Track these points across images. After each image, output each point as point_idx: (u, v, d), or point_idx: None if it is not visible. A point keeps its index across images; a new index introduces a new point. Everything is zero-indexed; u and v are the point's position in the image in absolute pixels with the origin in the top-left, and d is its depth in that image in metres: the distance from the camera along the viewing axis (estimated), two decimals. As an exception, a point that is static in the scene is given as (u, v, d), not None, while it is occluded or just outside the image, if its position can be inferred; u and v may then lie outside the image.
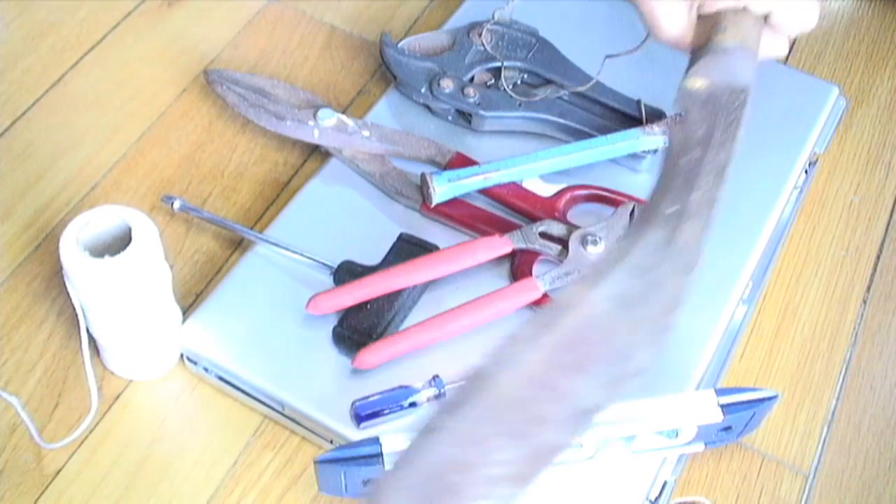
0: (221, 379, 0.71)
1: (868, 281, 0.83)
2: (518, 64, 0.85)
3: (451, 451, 0.49)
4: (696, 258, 0.54)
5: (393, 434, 0.62)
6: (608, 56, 0.76)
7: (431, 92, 0.83)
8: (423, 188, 0.77)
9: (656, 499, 0.67)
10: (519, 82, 0.85)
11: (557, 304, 0.53)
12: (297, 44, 0.93)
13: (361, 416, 0.67)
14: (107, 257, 0.63)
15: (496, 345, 0.50)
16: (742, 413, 0.66)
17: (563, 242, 0.74)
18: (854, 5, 1.04)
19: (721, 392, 0.66)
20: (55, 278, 0.77)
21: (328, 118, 0.80)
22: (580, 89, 0.82)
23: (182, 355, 0.73)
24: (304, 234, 0.75)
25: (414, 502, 0.49)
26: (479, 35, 0.86)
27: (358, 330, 0.70)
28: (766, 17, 0.60)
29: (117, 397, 0.72)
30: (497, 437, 0.49)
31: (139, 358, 0.72)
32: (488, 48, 0.85)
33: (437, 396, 0.68)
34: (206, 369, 0.72)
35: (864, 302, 0.82)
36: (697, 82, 0.58)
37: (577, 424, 0.51)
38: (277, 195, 0.83)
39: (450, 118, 0.84)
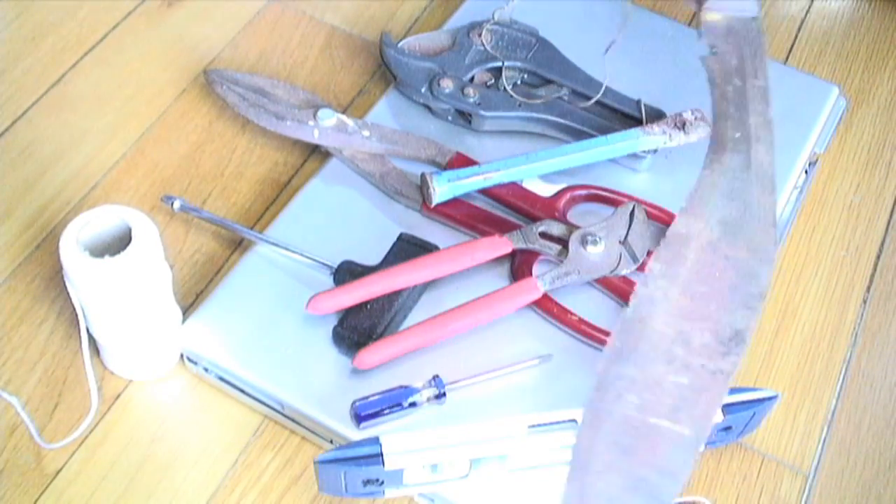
0: (221, 379, 0.71)
1: (868, 281, 0.83)
2: (518, 64, 0.85)
3: (635, 398, 0.53)
4: (773, 177, 0.59)
5: (393, 434, 0.62)
6: (606, 51, 0.77)
7: (431, 92, 0.83)
8: (423, 188, 0.77)
9: (656, 499, 0.67)
10: (519, 82, 0.85)
11: (674, 236, 0.56)
12: (297, 44, 0.93)
13: (361, 416, 0.67)
14: (107, 257, 0.63)
15: (635, 289, 0.54)
16: (742, 413, 0.66)
17: (563, 242, 0.74)
18: (854, 5, 1.04)
19: (721, 392, 0.66)
20: (55, 278, 0.77)
21: (328, 118, 0.80)
22: (595, 98, 0.82)
23: (182, 355, 0.73)
24: (304, 234, 0.75)
25: (618, 450, 0.52)
26: (479, 35, 0.86)
27: (358, 330, 0.70)
28: None
29: (117, 397, 0.72)
30: (672, 375, 0.53)
31: (139, 358, 0.72)
32: (488, 48, 0.85)
33: (437, 396, 0.68)
34: (206, 369, 0.72)
35: (864, 302, 0.82)
36: (712, 15, 0.63)
37: (738, 347, 0.55)
38: (277, 195, 0.83)
39: (450, 118, 0.84)
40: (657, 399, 0.54)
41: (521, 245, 0.74)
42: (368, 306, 0.71)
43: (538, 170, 0.79)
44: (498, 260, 0.74)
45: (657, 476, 0.53)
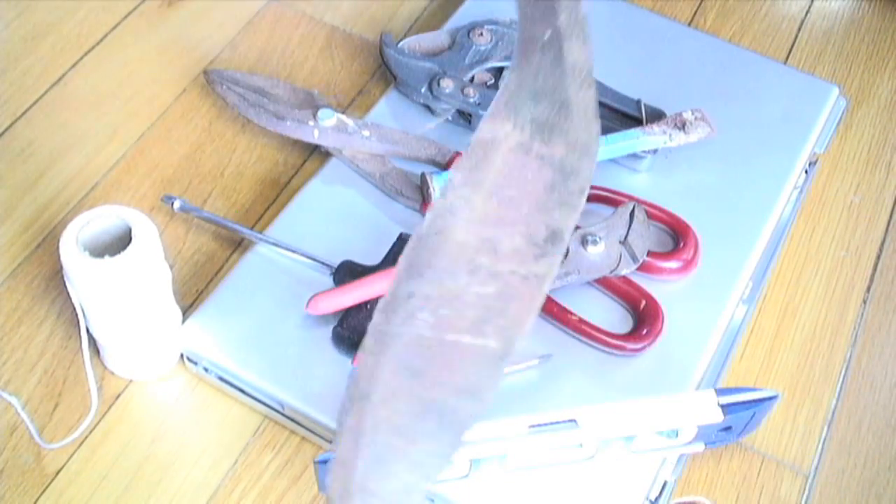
0: (221, 379, 0.71)
1: (868, 281, 0.83)
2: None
3: (429, 316, 0.48)
4: (590, 72, 0.54)
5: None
6: None
7: (431, 92, 0.83)
8: (423, 188, 0.77)
9: (656, 499, 0.67)
10: (519, 82, 0.85)
11: (479, 142, 0.52)
12: (297, 44, 0.93)
13: (361, 416, 0.67)
14: (107, 257, 0.63)
15: (431, 203, 0.49)
16: (742, 413, 0.66)
17: (563, 242, 0.74)
18: (854, 5, 1.04)
19: (721, 392, 0.66)
20: (55, 278, 0.77)
21: (328, 118, 0.80)
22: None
23: (182, 355, 0.73)
24: (304, 234, 0.75)
25: (408, 374, 0.48)
26: (479, 35, 0.86)
27: (358, 330, 0.70)
28: None
29: (117, 397, 0.72)
30: (476, 286, 0.48)
31: (139, 358, 0.72)
32: (488, 48, 0.85)
33: (437, 396, 0.68)
34: (206, 369, 0.72)
35: (864, 302, 0.82)
36: None
37: (554, 247, 0.50)
38: (277, 195, 0.83)
39: (450, 118, 0.84)
40: (457, 314, 0.49)
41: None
42: (368, 306, 0.71)
43: (538, 170, 0.79)
44: (498, 260, 0.74)
45: (454, 397, 0.48)
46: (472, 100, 0.82)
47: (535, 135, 0.52)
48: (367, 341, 0.48)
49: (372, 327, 0.49)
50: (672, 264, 0.75)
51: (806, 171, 0.85)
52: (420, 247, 0.49)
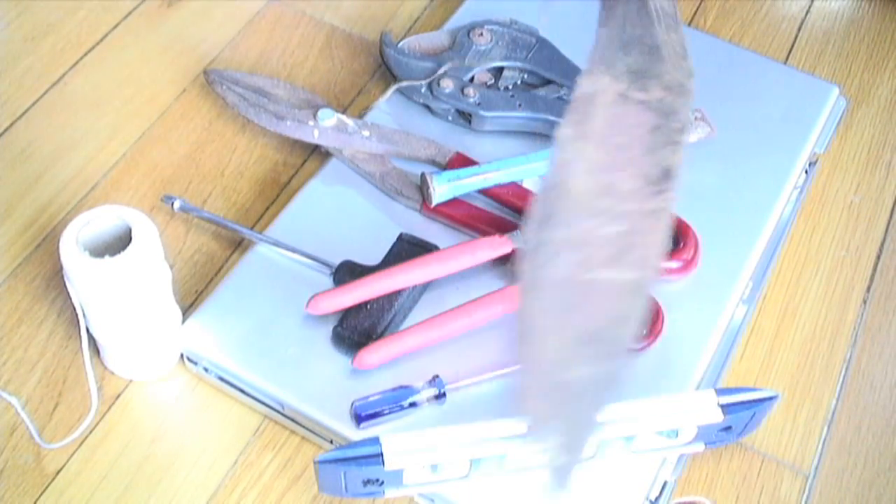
0: (221, 379, 0.71)
1: (868, 281, 0.83)
2: (518, 64, 0.85)
3: (569, 257, 0.52)
4: (675, 15, 0.57)
5: (393, 434, 0.62)
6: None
7: (431, 92, 0.83)
8: (423, 188, 0.77)
9: (656, 499, 0.67)
10: (519, 82, 0.85)
11: (580, 98, 0.54)
12: (297, 44, 0.93)
13: (361, 416, 0.67)
14: (107, 257, 0.63)
15: (552, 154, 0.53)
16: (742, 413, 0.66)
17: (563, 242, 0.74)
18: (854, 5, 1.04)
19: (721, 392, 0.66)
20: (55, 278, 0.77)
21: (328, 118, 0.80)
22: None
23: (182, 355, 0.73)
24: (304, 234, 0.75)
25: (558, 311, 0.52)
26: (479, 35, 0.86)
27: (358, 330, 0.70)
28: None
29: (117, 397, 0.72)
30: (603, 227, 0.52)
31: (139, 358, 0.72)
32: (488, 48, 0.85)
33: (437, 396, 0.68)
34: (206, 369, 0.72)
35: (864, 302, 0.82)
36: None
37: (668, 183, 0.53)
38: (277, 195, 0.83)
39: (450, 118, 0.84)
40: (593, 253, 0.53)
41: (522, 245, 0.74)
42: (368, 306, 0.71)
43: (538, 170, 0.79)
44: (498, 260, 0.74)
45: (606, 324, 0.52)
46: (472, 100, 0.82)
47: (632, 83, 0.55)
48: (522, 286, 0.52)
49: (521, 274, 0.52)
50: (672, 264, 0.75)
51: (806, 171, 0.85)
52: (545, 199, 0.53)
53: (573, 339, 0.52)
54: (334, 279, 0.73)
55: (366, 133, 0.80)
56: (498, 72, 0.85)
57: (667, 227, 0.54)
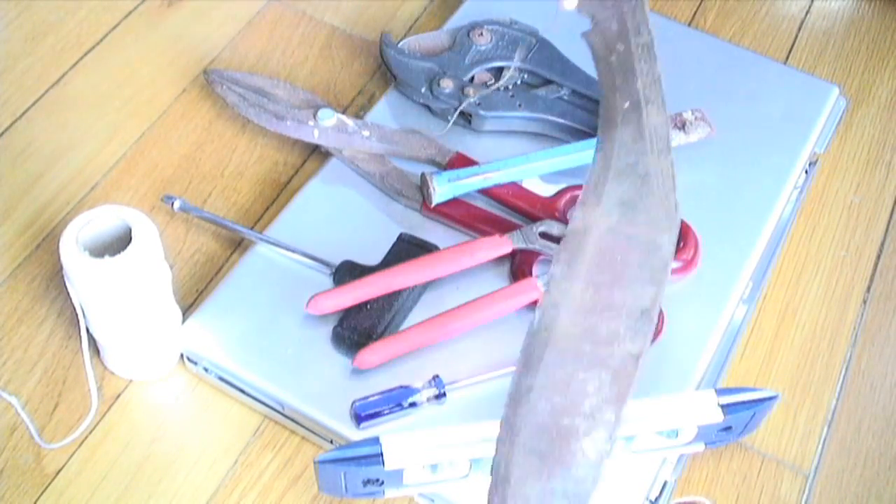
0: (221, 379, 0.71)
1: (868, 281, 0.83)
2: (518, 64, 0.85)
3: (546, 405, 0.54)
4: (667, 137, 0.59)
5: (393, 434, 0.62)
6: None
7: (431, 92, 0.83)
8: (423, 188, 0.77)
9: (656, 499, 0.67)
10: (519, 82, 0.85)
11: (573, 232, 0.56)
12: (297, 44, 0.93)
13: (361, 416, 0.67)
14: (107, 257, 0.63)
15: (542, 295, 0.55)
16: (742, 413, 0.66)
17: (563, 242, 0.74)
18: (854, 5, 1.04)
19: (721, 392, 0.66)
20: (55, 278, 0.77)
21: (328, 118, 0.80)
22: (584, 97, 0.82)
23: (182, 355, 0.73)
24: (304, 234, 0.75)
25: (535, 457, 0.54)
26: (479, 35, 0.86)
27: (358, 330, 0.70)
28: None
29: (117, 397, 0.72)
30: (581, 372, 0.54)
31: (139, 358, 0.72)
32: (488, 48, 0.85)
33: (437, 396, 0.68)
34: (206, 369, 0.72)
35: (864, 302, 0.82)
36: None
37: (644, 326, 0.55)
38: (277, 195, 0.83)
39: (450, 118, 0.84)
40: (570, 399, 0.55)
41: (521, 245, 0.74)
42: (368, 306, 0.71)
43: (538, 170, 0.79)
44: (498, 260, 0.74)
45: (573, 483, 0.54)
46: (472, 100, 0.82)
47: (622, 216, 0.57)
48: (500, 432, 0.55)
49: (502, 418, 0.55)
50: (672, 264, 0.75)
51: (806, 171, 0.85)
52: (532, 343, 0.56)
53: (541, 491, 0.54)
54: (334, 279, 0.73)
55: (366, 133, 0.80)
56: (498, 72, 0.85)
57: (638, 372, 0.56)
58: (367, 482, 0.62)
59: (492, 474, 0.54)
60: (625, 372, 0.56)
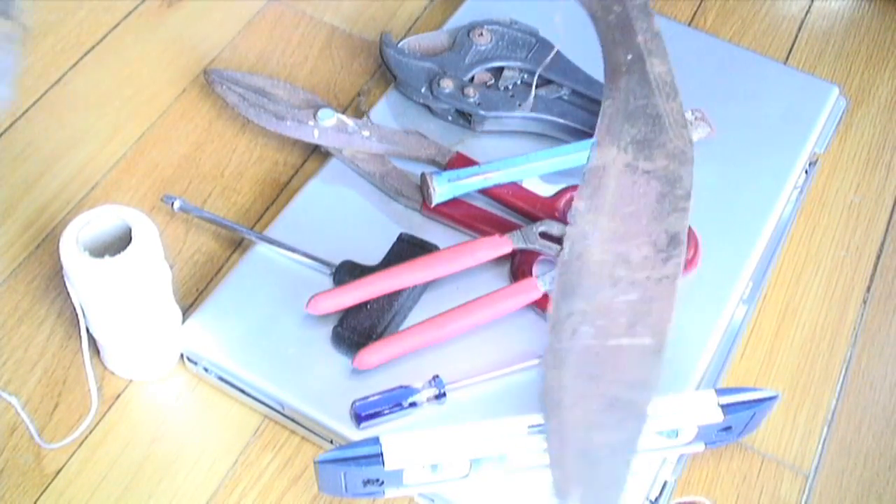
0: (221, 379, 0.71)
1: (868, 281, 0.83)
2: (518, 64, 0.85)
3: (589, 328, 0.56)
4: (673, 83, 0.62)
5: (393, 434, 0.62)
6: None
7: (431, 92, 0.83)
8: (423, 188, 0.77)
9: (656, 499, 0.67)
10: (519, 82, 0.85)
11: (591, 170, 0.59)
12: (297, 44, 0.93)
13: (361, 416, 0.67)
14: (107, 257, 0.63)
15: (567, 230, 0.58)
16: (742, 413, 0.66)
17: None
18: (854, 5, 1.04)
19: (721, 392, 0.66)
20: (55, 278, 0.77)
21: (328, 118, 0.80)
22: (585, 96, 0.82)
23: (182, 355, 0.73)
24: (304, 234, 0.75)
25: (585, 379, 0.56)
26: (479, 35, 0.86)
27: (358, 330, 0.70)
28: None
29: (117, 397, 0.72)
30: (620, 296, 0.56)
31: (139, 358, 0.72)
32: (488, 48, 0.85)
33: (437, 396, 0.68)
34: (206, 369, 0.72)
35: (864, 302, 0.82)
36: None
37: (674, 250, 0.58)
38: (277, 195, 0.83)
39: (450, 118, 0.84)
40: (611, 321, 0.57)
41: (521, 245, 0.74)
42: (368, 306, 0.71)
43: (538, 170, 0.79)
44: (498, 260, 0.74)
45: (628, 390, 0.56)
46: (471, 100, 0.82)
47: (638, 153, 0.60)
48: (547, 358, 0.56)
49: (547, 346, 0.56)
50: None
51: (806, 171, 0.85)
52: (566, 272, 0.57)
53: (599, 405, 0.56)
54: (334, 279, 0.73)
55: (366, 133, 0.80)
56: (498, 72, 0.85)
57: (676, 292, 0.58)
58: (367, 482, 0.62)
59: (546, 404, 0.55)
60: (663, 294, 0.58)
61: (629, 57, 0.65)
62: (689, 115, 0.82)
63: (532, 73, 0.85)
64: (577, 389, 0.56)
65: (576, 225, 0.59)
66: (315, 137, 0.80)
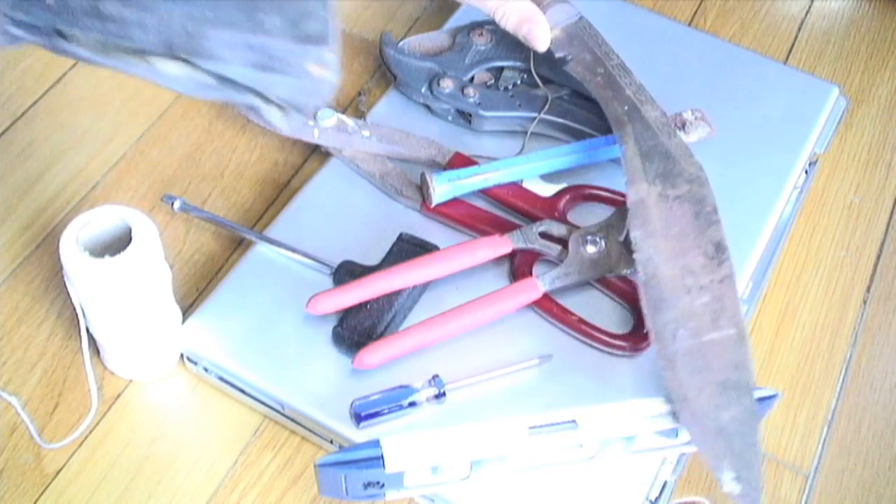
0: (221, 379, 0.71)
1: (868, 281, 0.83)
2: (518, 64, 0.85)
3: (686, 331, 0.67)
4: (668, 123, 0.75)
5: (393, 436, 0.62)
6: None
7: (431, 92, 0.83)
8: (423, 188, 0.77)
9: (656, 499, 0.67)
10: (519, 82, 0.85)
11: (634, 205, 0.71)
12: (297, 44, 0.93)
13: (361, 415, 0.67)
14: (107, 257, 0.63)
15: (635, 253, 0.69)
16: (742, 413, 0.67)
17: (563, 242, 0.74)
18: (854, 5, 1.04)
19: (721, 392, 0.67)
20: (55, 278, 0.77)
21: (328, 118, 0.80)
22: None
23: (182, 355, 0.73)
24: (304, 234, 0.75)
25: (696, 375, 0.66)
26: (479, 35, 0.86)
27: (358, 330, 0.70)
28: None
29: (117, 397, 0.72)
30: (696, 300, 0.68)
31: (139, 358, 0.72)
32: (488, 48, 0.85)
33: (437, 396, 0.68)
34: (206, 369, 0.72)
35: (864, 302, 0.82)
36: (554, 31, 0.79)
37: (722, 254, 0.70)
38: (277, 195, 0.83)
39: (450, 118, 0.84)
40: (698, 322, 0.67)
41: (521, 245, 0.74)
42: (368, 306, 0.71)
43: (538, 170, 0.79)
44: (498, 260, 0.74)
45: (733, 372, 0.66)
46: (471, 100, 0.82)
47: (664, 184, 0.72)
48: (660, 363, 0.67)
49: (656, 355, 0.67)
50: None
51: (806, 171, 0.85)
52: (648, 291, 0.68)
53: (715, 390, 0.65)
54: (334, 279, 0.73)
55: (366, 133, 0.80)
56: (498, 72, 0.85)
57: (737, 289, 0.69)
58: (367, 485, 0.62)
59: (674, 403, 0.65)
60: (728, 291, 0.68)
61: (626, 108, 0.75)
62: (689, 115, 0.82)
63: (532, 74, 0.85)
64: (693, 382, 0.65)
65: (640, 251, 0.69)
66: (315, 137, 0.80)
